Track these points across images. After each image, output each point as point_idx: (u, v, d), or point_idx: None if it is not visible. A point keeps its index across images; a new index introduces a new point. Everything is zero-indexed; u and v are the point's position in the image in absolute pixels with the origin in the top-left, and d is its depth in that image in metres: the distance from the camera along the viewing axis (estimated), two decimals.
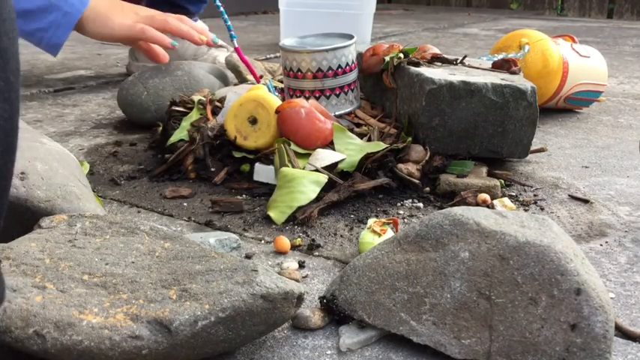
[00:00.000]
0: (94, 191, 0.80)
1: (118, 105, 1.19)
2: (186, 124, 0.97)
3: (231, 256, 0.51)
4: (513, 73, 1.01)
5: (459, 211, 0.53)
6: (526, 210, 0.82)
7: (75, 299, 0.45)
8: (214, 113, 0.99)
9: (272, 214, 0.76)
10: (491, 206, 0.80)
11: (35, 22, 1.07)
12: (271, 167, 0.86)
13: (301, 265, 0.66)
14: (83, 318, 0.43)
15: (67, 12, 1.08)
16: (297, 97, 0.97)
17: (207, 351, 0.44)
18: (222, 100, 1.01)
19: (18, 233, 0.54)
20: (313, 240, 0.72)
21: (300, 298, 0.50)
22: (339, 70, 0.96)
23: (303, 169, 0.81)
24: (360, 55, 1.03)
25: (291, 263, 0.65)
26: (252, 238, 0.73)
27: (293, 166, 0.80)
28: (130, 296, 0.45)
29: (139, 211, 0.80)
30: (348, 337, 0.52)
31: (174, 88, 1.13)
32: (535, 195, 0.87)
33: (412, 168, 0.86)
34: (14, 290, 0.44)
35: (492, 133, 0.91)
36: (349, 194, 0.80)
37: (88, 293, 0.46)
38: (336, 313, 0.55)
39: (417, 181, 0.85)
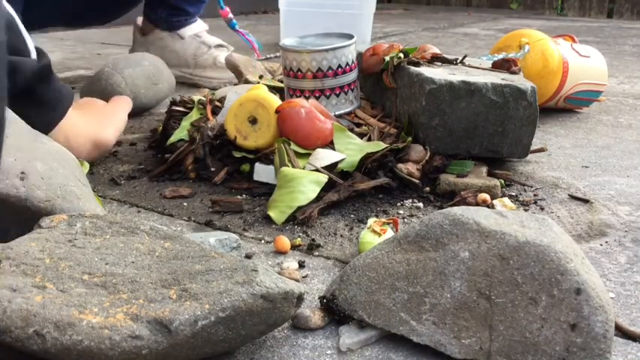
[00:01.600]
0: (94, 191, 0.80)
1: (88, 95, 1.21)
2: (186, 123, 0.97)
3: (231, 256, 0.51)
4: (513, 72, 1.01)
5: (458, 210, 0.53)
6: (526, 210, 0.82)
7: (75, 299, 0.45)
8: (214, 113, 0.99)
9: (272, 213, 0.76)
10: (491, 206, 0.80)
11: None
12: (271, 167, 0.86)
13: (301, 265, 0.66)
14: (83, 318, 0.43)
15: None
16: (297, 97, 0.97)
17: (206, 351, 0.44)
18: (222, 100, 1.01)
19: (18, 233, 0.54)
20: (313, 240, 0.72)
21: (300, 298, 0.50)
22: (339, 69, 0.96)
23: (303, 168, 0.81)
24: (360, 55, 1.03)
25: (291, 263, 0.65)
26: (252, 237, 0.73)
27: (293, 166, 0.80)
28: (130, 296, 0.45)
29: (138, 211, 0.80)
30: (348, 337, 0.52)
31: (144, 77, 1.22)
32: (535, 195, 0.87)
33: (412, 168, 0.86)
34: (14, 290, 0.44)
35: (492, 132, 0.91)
36: (349, 194, 0.80)
37: (88, 293, 0.46)
38: (336, 313, 0.55)
39: (417, 181, 0.85)
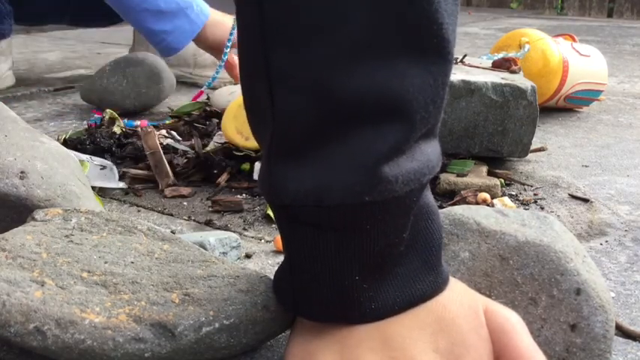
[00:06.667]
0: (93, 190, 0.80)
1: (88, 94, 1.23)
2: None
3: (233, 263, 0.51)
4: (513, 72, 1.01)
5: (459, 210, 0.53)
6: (526, 209, 0.82)
7: (75, 297, 0.44)
8: (214, 116, 0.99)
9: (272, 213, 0.76)
10: (491, 205, 0.80)
11: (163, 23, 1.14)
12: None
13: None
14: (85, 317, 0.43)
15: (193, 21, 1.15)
16: None
17: (207, 357, 0.44)
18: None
19: None
20: None
21: None
22: None
23: None
24: None
25: None
26: (252, 237, 0.73)
27: None
28: (132, 297, 0.45)
29: (138, 210, 0.80)
30: None
31: (145, 76, 1.21)
32: (535, 194, 0.87)
33: None
34: (12, 284, 0.44)
35: (492, 132, 0.91)
36: None
37: (89, 291, 0.45)
38: None
39: None
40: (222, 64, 1.21)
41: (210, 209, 0.80)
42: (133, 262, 0.49)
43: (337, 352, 0.40)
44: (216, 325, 0.43)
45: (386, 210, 0.37)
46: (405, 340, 0.39)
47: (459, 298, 0.41)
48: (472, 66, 1.03)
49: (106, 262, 0.49)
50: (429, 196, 0.42)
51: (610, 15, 4.23)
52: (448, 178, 0.84)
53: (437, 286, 0.41)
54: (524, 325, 0.42)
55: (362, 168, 0.36)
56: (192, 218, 0.78)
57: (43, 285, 0.45)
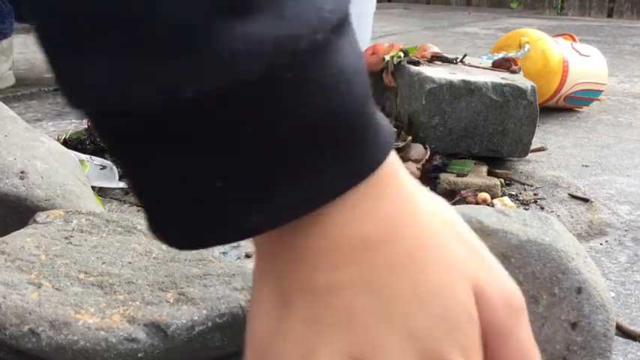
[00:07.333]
0: (93, 189, 0.80)
1: None
2: None
3: (230, 262, 0.51)
4: (513, 72, 1.01)
5: (461, 209, 0.53)
6: (526, 209, 0.82)
7: (71, 298, 0.44)
8: None
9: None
10: (491, 205, 0.80)
11: None
12: None
13: None
14: (79, 318, 0.43)
15: None
16: None
17: (201, 356, 0.44)
18: None
19: None
20: None
21: None
22: None
23: None
24: None
25: None
26: None
27: None
28: (127, 297, 0.45)
29: (138, 210, 0.80)
30: None
31: None
32: (535, 194, 0.87)
33: (412, 167, 0.86)
34: (9, 286, 0.44)
35: (492, 132, 0.91)
36: None
37: (84, 292, 0.45)
38: None
39: (417, 180, 0.85)
40: None
41: None
42: (130, 262, 0.49)
43: (299, 339, 0.25)
44: (209, 324, 0.43)
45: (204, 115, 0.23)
46: (368, 319, 0.25)
47: (445, 260, 0.28)
48: (472, 66, 1.03)
49: (103, 263, 0.49)
50: (332, 63, 0.23)
51: (610, 15, 4.24)
52: (448, 178, 0.84)
53: (372, 160, 0.25)
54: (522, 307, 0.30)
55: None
56: None
57: (39, 287, 0.45)
